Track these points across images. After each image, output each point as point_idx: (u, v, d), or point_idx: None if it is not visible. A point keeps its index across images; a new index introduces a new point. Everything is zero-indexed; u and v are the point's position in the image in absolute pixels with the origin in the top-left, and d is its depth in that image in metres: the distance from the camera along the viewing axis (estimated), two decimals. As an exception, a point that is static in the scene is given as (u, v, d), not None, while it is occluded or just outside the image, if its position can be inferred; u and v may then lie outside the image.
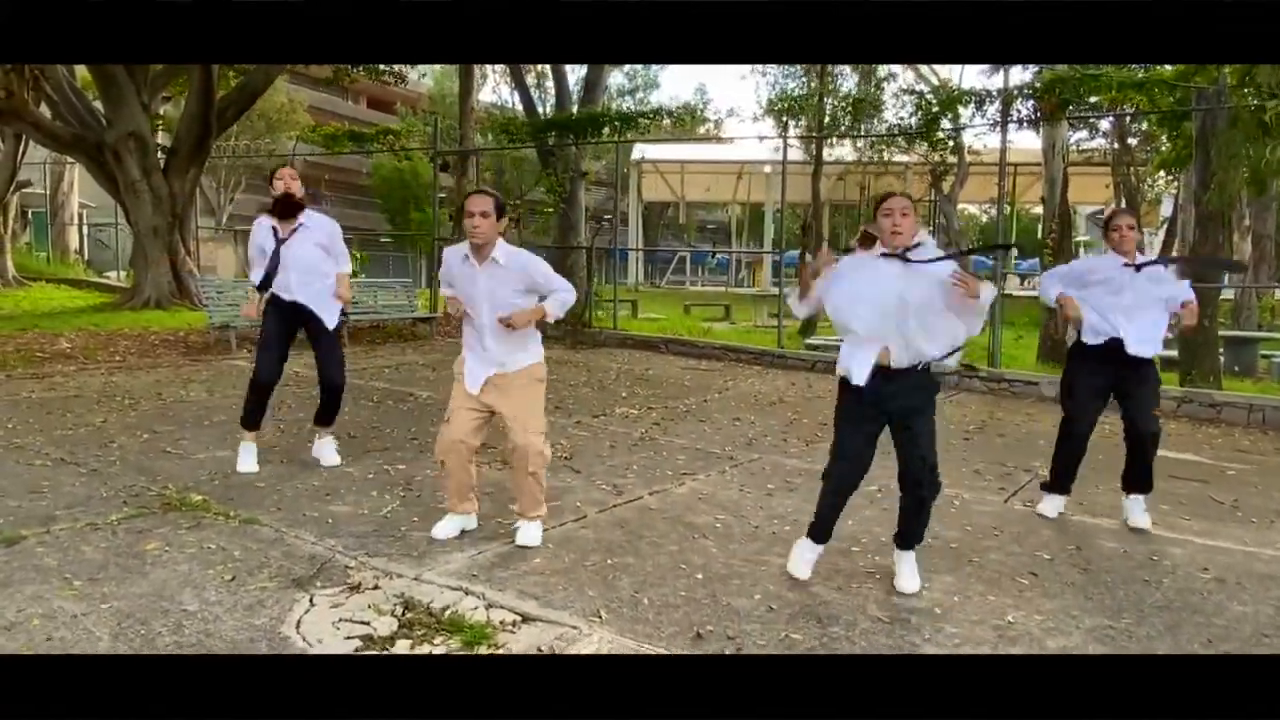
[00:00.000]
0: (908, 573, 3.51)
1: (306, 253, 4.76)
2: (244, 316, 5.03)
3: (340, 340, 5.03)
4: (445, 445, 3.79)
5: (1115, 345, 4.29)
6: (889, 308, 3.24)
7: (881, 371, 3.29)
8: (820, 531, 3.56)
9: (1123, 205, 21.50)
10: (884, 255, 3.30)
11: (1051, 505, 4.61)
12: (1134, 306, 4.27)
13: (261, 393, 4.86)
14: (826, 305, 3.41)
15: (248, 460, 4.85)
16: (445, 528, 3.89)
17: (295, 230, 4.74)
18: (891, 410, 3.36)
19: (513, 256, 3.72)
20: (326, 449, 5.06)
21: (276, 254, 4.72)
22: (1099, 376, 4.40)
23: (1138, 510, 4.42)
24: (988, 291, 3.15)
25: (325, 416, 5.05)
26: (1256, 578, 3.78)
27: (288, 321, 4.85)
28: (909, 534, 3.52)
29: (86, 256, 25.00)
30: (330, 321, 4.85)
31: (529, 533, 3.80)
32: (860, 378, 3.30)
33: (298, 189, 4.73)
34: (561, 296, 3.74)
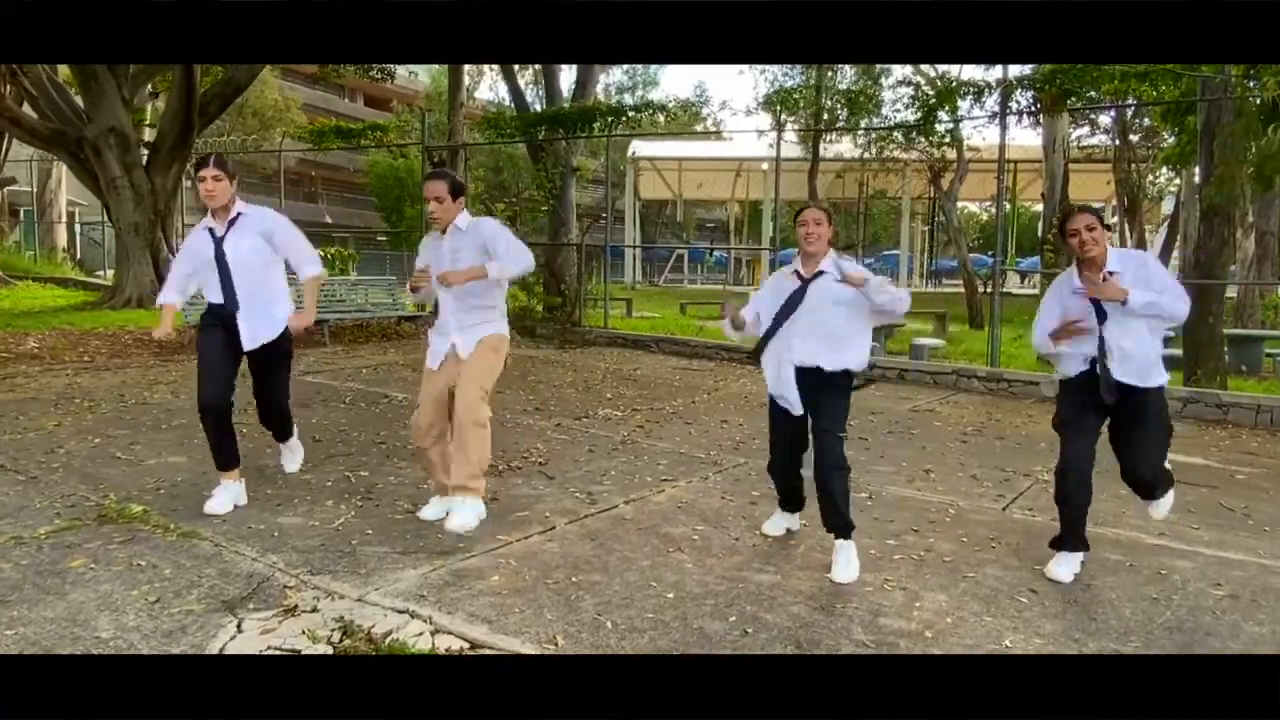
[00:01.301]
0: (840, 562, 3.52)
1: (245, 246, 4.00)
2: (158, 336, 4.32)
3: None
4: (417, 432, 3.94)
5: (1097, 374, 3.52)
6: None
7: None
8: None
9: (1124, 203, 21.20)
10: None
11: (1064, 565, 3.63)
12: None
13: (214, 420, 4.02)
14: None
15: (219, 500, 4.04)
16: (431, 509, 4.02)
17: (232, 224, 4.01)
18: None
19: (473, 224, 3.89)
20: (286, 455, 4.74)
21: (222, 258, 3.97)
22: (1087, 398, 3.56)
23: (1153, 504, 3.87)
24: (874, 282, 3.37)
25: (279, 434, 4.57)
26: (1273, 594, 3.50)
27: (228, 332, 4.05)
28: (823, 517, 3.58)
29: (79, 255, 24.74)
30: (268, 335, 4.07)
31: (462, 514, 3.68)
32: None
33: (222, 192, 3.94)
34: (505, 261, 3.78)
